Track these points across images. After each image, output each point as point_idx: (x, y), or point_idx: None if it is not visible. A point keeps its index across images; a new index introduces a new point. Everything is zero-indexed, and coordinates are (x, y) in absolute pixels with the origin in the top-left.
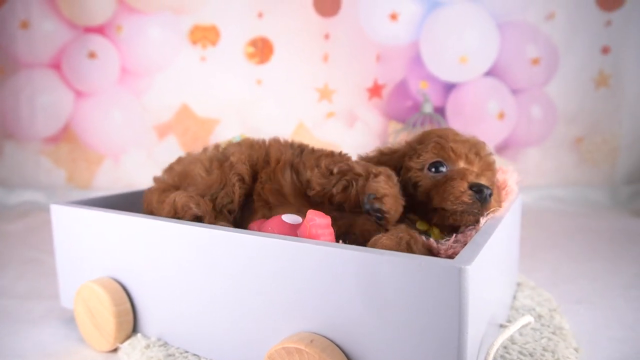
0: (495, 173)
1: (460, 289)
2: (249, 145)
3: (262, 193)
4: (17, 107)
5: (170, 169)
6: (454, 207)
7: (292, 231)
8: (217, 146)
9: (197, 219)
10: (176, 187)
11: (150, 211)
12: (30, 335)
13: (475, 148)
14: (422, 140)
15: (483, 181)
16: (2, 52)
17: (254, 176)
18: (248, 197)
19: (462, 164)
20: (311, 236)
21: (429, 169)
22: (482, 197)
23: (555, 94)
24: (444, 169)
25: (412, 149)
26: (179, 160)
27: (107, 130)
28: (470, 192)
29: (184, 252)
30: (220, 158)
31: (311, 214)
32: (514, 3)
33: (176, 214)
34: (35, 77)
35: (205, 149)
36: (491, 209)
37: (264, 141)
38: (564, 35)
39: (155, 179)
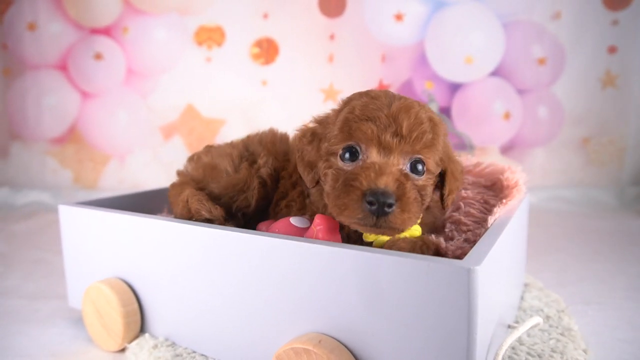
0: (436, 148)
1: (470, 290)
2: (272, 141)
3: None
4: (24, 108)
5: (197, 159)
6: (342, 219)
7: (300, 234)
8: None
9: (207, 220)
10: (197, 181)
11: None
12: (38, 335)
13: (395, 124)
14: (341, 107)
15: (395, 175)
16: (10, 54)
17: (277, 177)
18: (265, 199)
19: (374, 152)
20: (316, 227)
21: (342, 157)
22: (376, 210)
23: (562, 94)
24: (361, 156)
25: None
26: (208, 150)
27: (112, 130)
28: (361, 205)
29: (192, 253)
30: (249, 157)
31: (319, 218)
32: (519, 3)
33: (190, 216)
34: (41, 78)
35: (232, 142)
36: (403, 221)
37: (287, 137)
38: (570, 35)
39: (179, 173)
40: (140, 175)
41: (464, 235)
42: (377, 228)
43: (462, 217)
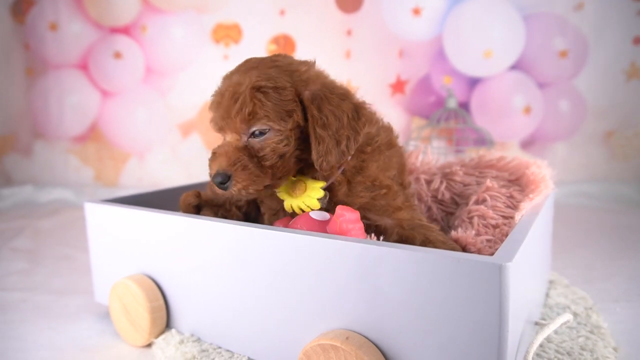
0: (260, 115)
1: (501, 287)
2: None
3: None
4: (47, 107)
5: (209, 182)
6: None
7: (322, 227)
8: None
9: (197, 208)
10: (209, 195)
11: None
12: (66, 330)
13: (221, 108)
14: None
15: (229, 154)
16: (32, 54)
17: None
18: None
19: (224, 135)
20: (341, 231)
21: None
22: (221, 188)
23: (584, 87)
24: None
25: None
26: None
27: (132, 129)
28: (213, 183)
29: (218, 250)
30: None
31: (340, 209)
32: None
33: (182, 208)
34: (63, 77)
35: None
36: (239, 190)
37: None
38: (594, 26)
39: None
40: (159, 173)
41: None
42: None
43: (490, 211)
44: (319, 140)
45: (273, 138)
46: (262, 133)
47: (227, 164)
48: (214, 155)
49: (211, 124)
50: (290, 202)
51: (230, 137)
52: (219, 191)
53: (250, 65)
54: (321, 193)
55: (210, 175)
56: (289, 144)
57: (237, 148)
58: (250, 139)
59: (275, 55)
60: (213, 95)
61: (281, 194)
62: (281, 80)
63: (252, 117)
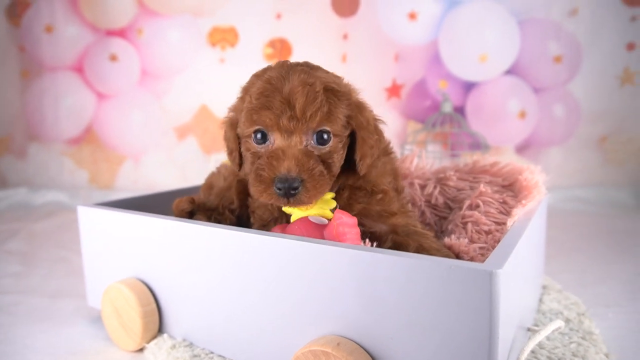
0: (335, 117)
1: (492, 293)
2: None
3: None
4: (42, 109)
5: (203, 186)
6: (262, 200)
7: (319, 231)
8: None
9: (190, 214)
10: (202, 201)
11: None
12: (60, 333)
13: (289, 109)
14: (243, 96)
15: (297, 157)
16: (28, 56)
17: None
18: (245, 194)
19: (278, 136)
20: (338, 234)
21: (254, 140)
22: (284, 194)
23: (579, 92)
24: (269, 138)
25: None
26: (210, 175)
27: (127, 131)
28: (272, 190)
29: (211, 254)
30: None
31: (339, 213)
32: (535, 0)
33: (175, 214)
34: (59, 79)
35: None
36: (309, 197)
37: None
38: (588, 32)
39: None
40: (154, 176)
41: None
42: (290, 205)
43: (483, 217)
44: (362, 143)
45: (337, 144)
46: (328, 137)
47: (299, 169)
48: (277, 155)
49: (251, 123)
50: (300, 215)
51: (294, 140)
52: (272, 199)
53: (302, 68)
54: (333, 203)
55: (273, 177)
56: (344, 151)
57: (305, 152)
58: (313, 144)
59: (305, 62)
60: (263, 96)
61: (287, 209)
62: (342, 85)
63: (327, 118)
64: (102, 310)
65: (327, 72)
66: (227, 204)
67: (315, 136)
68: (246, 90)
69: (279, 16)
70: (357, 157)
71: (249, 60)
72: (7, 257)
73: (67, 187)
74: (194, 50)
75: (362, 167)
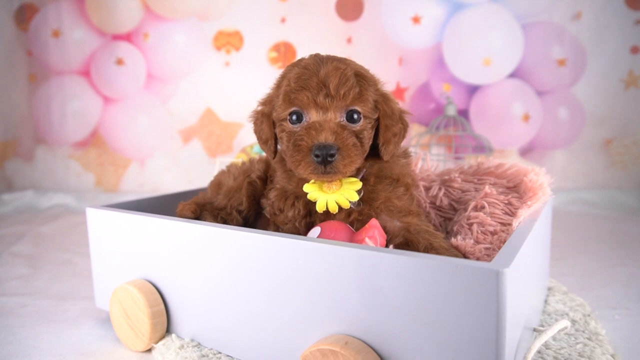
0: (365, 98)
1: (499, 292)
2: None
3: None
4: (49, 113)
5: (210, 182)
6: (299, 172)
7: (352, 236)
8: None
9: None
10: (209, 198)
11: None
12: (68, 335)
13: (325, 87)
14: (279, 82)
15: (333, 129)
16: (35, 60)
17: (266, 179)
18: (254, 197)
19: (313, 113)
20: (367, 234)
21: (290, 121)
22: (322, 161)
23: (583, 95)
24: (305, 118)
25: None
26: (219, 172)
27: (133, 135)
28: (310, 159)
29: (218, 255)
30: (248, 169)
31: (373, 227)
32: (538, 3)
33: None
34: (65, 83)
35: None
36: (345, 165)
37: None
38: (592, 36)
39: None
40: (160, 179)
41: (489, 239)
42: (326, 175)
43: (488, 218)
44: (385, 129)
45: (366, 124)
46: (358, 117)
47: (335, 138)
48: (314, 127)
49: (288, 104)
50: (326, 199)
51: (329, 116)
52: (309, 168)
53: (335, 57)
54: (359, 184)
55: (311, 146)
56: (372, 133)
57: (340, 125)
58: (345, 121)
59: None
60: (301, 79)
61: (312, 194)
62: (370, 74)
63: (359, 97)
64: (110, 311)
65: (357, 63)
66: (236, 205)
67: (346, 115)
68: (282, 77)
69: (283, 20)
70: (380, 141)
71: (253, 64)
72: (14, 259)
73: (73, 190)
74: (199, 54)
75: (385, 153)
